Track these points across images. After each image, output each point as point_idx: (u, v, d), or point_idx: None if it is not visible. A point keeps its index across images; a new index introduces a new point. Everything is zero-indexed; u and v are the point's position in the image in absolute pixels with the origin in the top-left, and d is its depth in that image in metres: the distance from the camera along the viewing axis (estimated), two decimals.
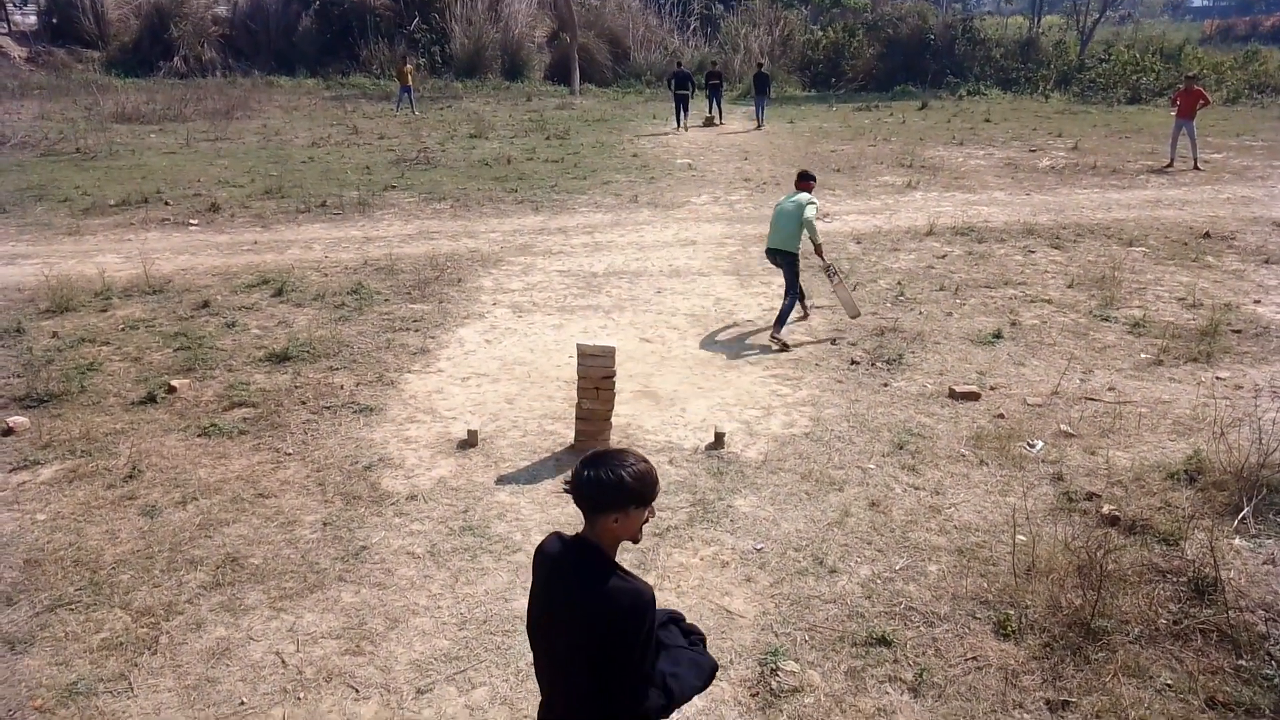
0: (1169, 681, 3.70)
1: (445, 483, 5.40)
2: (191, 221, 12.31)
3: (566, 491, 2.23)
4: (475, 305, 8.80)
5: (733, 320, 8.38)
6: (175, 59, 30.38)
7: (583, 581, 2.17)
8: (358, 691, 3.73)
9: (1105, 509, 4.94)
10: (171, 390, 6.67)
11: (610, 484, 2.14)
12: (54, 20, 31.70)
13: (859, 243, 10.96)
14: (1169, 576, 4.34)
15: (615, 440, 5.85)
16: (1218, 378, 6.85)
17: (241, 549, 4.72)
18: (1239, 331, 7.80)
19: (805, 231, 7.73)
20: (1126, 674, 3.73)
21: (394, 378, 6.99)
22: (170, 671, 3.84)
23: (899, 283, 9.29)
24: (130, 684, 3.76)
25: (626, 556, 4.27)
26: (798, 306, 8.16)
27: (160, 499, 5.21)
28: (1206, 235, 11.11)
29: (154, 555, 4.65)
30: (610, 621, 2.11)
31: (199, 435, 6.02)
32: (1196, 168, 15.59)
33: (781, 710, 3.61)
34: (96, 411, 6.38)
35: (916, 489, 5.29)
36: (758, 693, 3.70)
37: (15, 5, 33.30)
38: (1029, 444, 5.82)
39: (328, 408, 6.43)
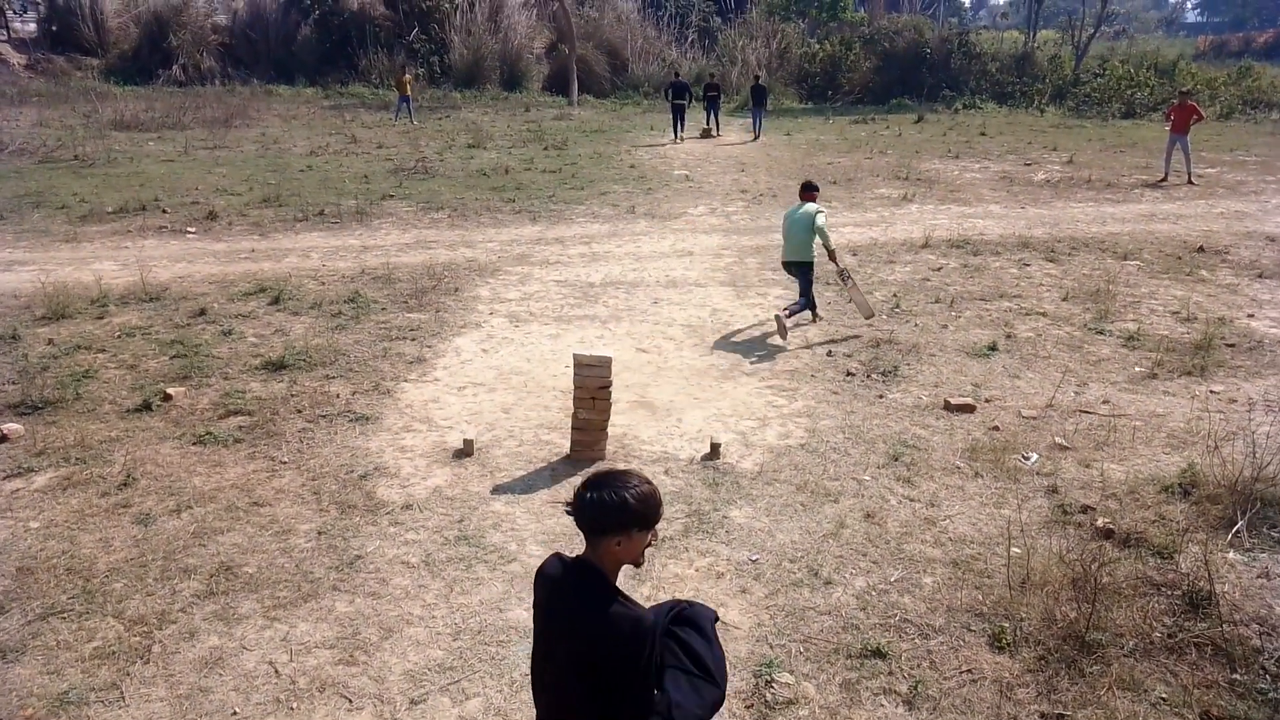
0: (1164, 695, 3.70)
1: (441, 492, 5.39)
2: (189, 229, 12.32)
3: (568, 513, 2.19)
4: (472, 315, 8.81)
5: (729, 331, 8.39)
6: (174, 67, 30.47)
7: (582, 606, 2.12)
8: (351, 702, 3.72)
9: (1100, 522, 4.95)
10: (167, 398, 6.66)
11: (613, 506, 2.10)
12: (53, 27, 31.78)
13: (855, 255, 10.99)
14: (1163, 590, 4.34)
15: (611, 450, 5.85)
16: (1212, 391, 6.87)
17: (235, 558, 4.70)
18: (1233, 345, 7.83)
19: (817, 239, 8.08)
20: (1121, 687, 3.73)
21: (390, 387, 6.99)
22: (162, 681, 3.82)
23: (895, 295, 9.32)
24: (122, 693, 3.75)
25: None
26: (804, 316, 8.47)
27: (154, 507, 5.19)
28: (1200, 249, 11.16)
29: (147, 564, 4.64)
30: (609, 647, 2.08)
31: (194, 443, 6.00)
32: (1190, 182, 15.68)
33: None
34: (91, 419, 6.37)
35: (912, 501, 5.30)
36: (752, 704, 3.69)
37: (15, 12, 33.34)
38: (1024, 456, 5.83)
39: (323, 416, 6.42)
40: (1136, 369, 7.36)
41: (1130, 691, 3.72)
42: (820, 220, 8.06)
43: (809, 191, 8.38)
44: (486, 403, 6.73)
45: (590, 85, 32.60)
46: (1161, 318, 8.67)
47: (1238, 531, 4.78)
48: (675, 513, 5.14)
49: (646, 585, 4.44)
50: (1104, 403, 6.69)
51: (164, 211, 13.25)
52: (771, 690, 3.75)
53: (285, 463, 5.75)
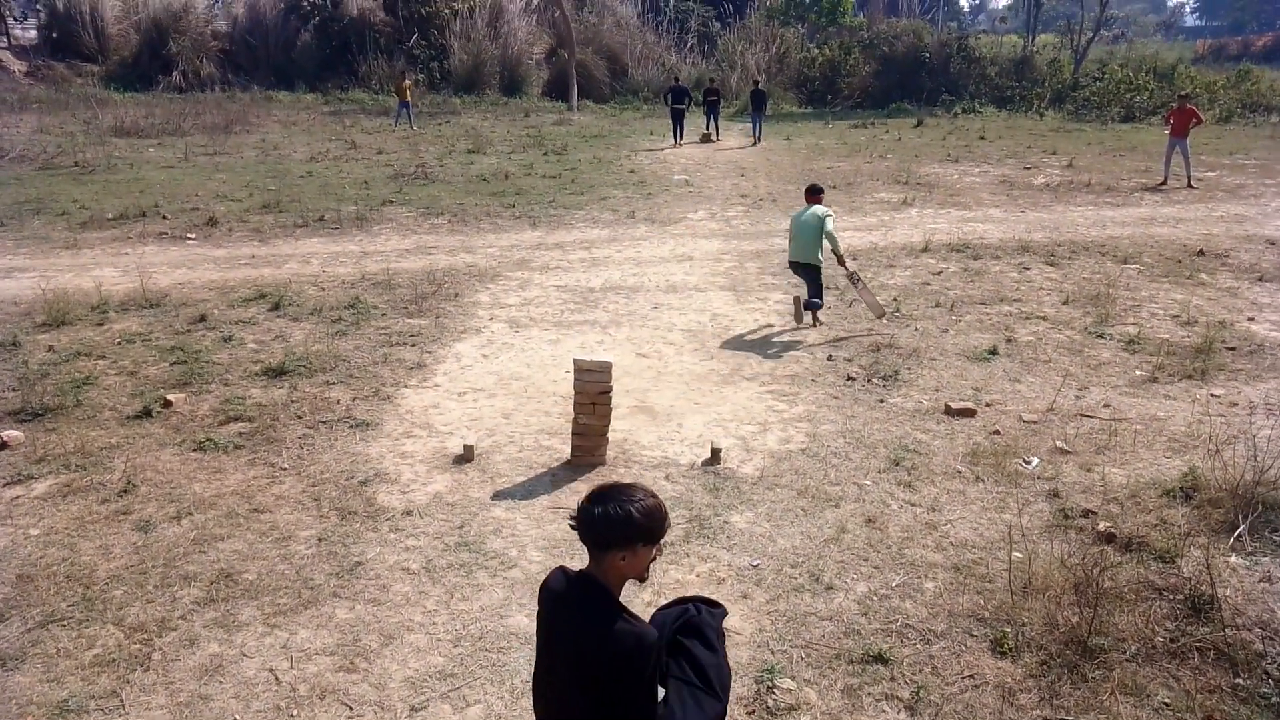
0: (1166, 700, 3.69)
1: (441, 498, 5.39)
2: (189, 235, 12.33)
3: (572, 527, 2.17)
4: (472, 320, 8.81)
5: (729, 336, 8.39)
6: (174, 73, 30.51)
7: (586, 621, 2.11)
8: (351, 709, 3.71)
9: (1101, 526, 4.94)
10: (167, 404, 6.65)
11: (618, 520, 2.08)
12: (54, 34, 31.83)
13: (855, 259, 10.97)
14: (1165, 594, 4.33)
15: (612, 455, 5.85)
16: (1213, 395, 6.87)
17: (236, 564, 4.69)
18: (1233, 349, 7.83)
19: (826, 242, 8.16)
20: (1124, 692, 3.72)
21: (390, 392, 6.98)
22: (162, 688, 3.81)
23: (895, 299, 9.31)
24: (122, 701, 3.74)
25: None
26: (807, 318, 8.56)
27: (155, 514, 5.19)
28: (1200, 253, 11.16)
29: (147, 571, 4.63)
30: (611, 664, 2.06)
31: (194, 450, 6.00)
32: (1190, 186, 15.69)
33: None
34: (91, 426, 6.37)
35: (913, 505, 5.29)
36: (754, 710, 3.68)
37: (15, 19, 33.42)
38: (1025, 461, 5.82)
39: (324, 422, 6.42)
40: (1137, 373, 7.36)
41: (1132, 696, 3.71)
42: (830, 225, 8.13)
43: (815, 194, 8.51)
44: (487, 408, 6.73)
45: (590, 90, 32.65)
46: (1162, 321, 8.66)
47: (1239, 535, 4.77)
48: (676, 518, 5.14)
49: (648, 591, 4.42)
50: (1105, 406, 6.69)
51: (164, 218, 13.26)
52: (773, 696, 3.74)
53: (285, 469, 5.74)
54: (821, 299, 8.47)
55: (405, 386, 7.12)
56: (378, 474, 5.67)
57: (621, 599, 2.18)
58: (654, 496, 2.17)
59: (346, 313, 8.91)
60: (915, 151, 20.68)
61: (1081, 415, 6.53)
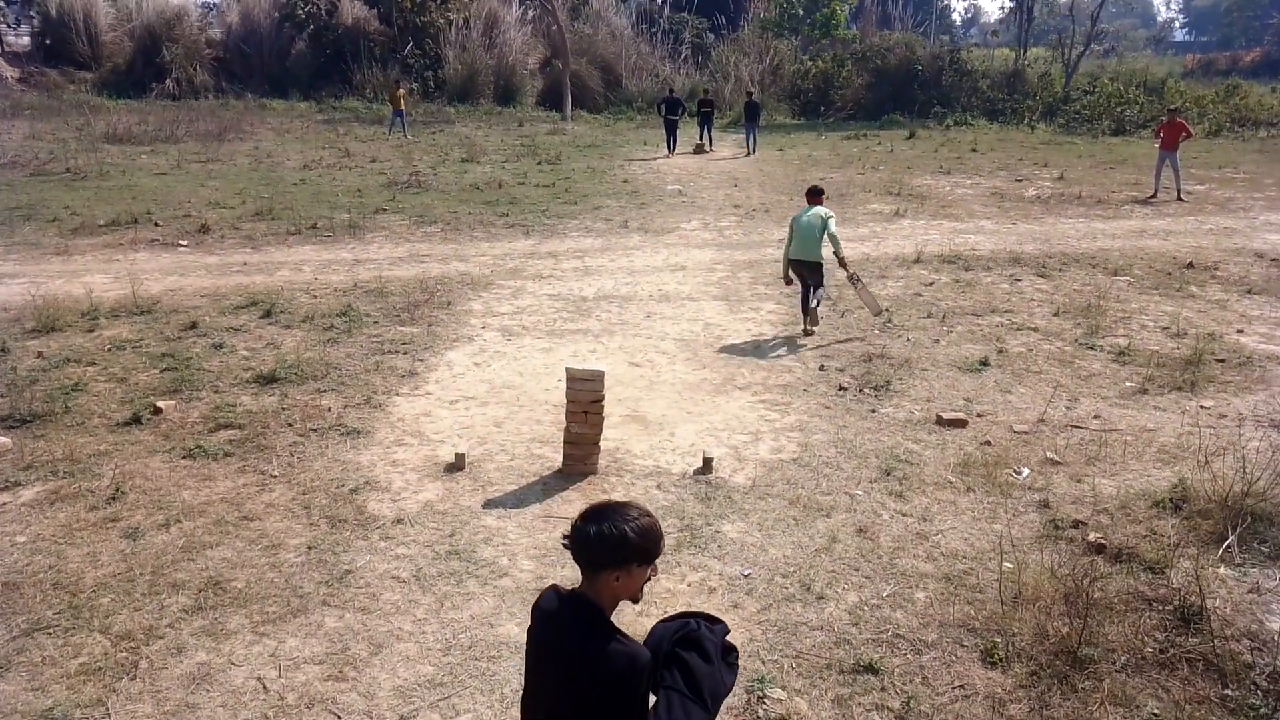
0: (1155, 711, 3.70)
1: (432, 506, 5.37)
2: (181, 242, 12.30)
3: (565, 546, 2.13)
4: (464, 328, 8.80)
5: (722, 345, 8.40)
6: (168, 81, 30.48)
7: (578, 642, 2.08)
8: (340, 718, 3.68)
9: (1091, 537, 4.95)
10: (157, 411, 6.62)
11: (612, 539, 2.04)
12: (47, 41, 31.78)
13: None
14: (1155, 605, 4.34)
15: (603, 464, 5.84)
16: (1202, 406, 6.90)
17: (224, 572, 4.67)
18: (1223, 361, 7.87)
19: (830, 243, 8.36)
20: (1113, 703, 3.72)
21: (382, 400, 6.97)
22: (149, 697, 3.78)
23: (887, 309, 9.34)
24: (108, 710, 3.71)
25: None
26: (804, 323, 8.67)
27: (143, 521, 5.16)
28: (1190, 265, 11.23)
29: (135, 578, 4.60)
30: (605, 684, 2.04)
31: (184, 457, 5.97)
32: (1180, 199, 15.79)
33: None
34: (80, 432, 6.33)
35: (904, 515, 5.30)
36: None
37: (9, 25, 33.36)
38: (1016, 471, 5.84)
39: (314, 430, 6.40)
40: (1127, 384, 7.39)
41: (1122, 707, 3.71)
42: (833, 226, 8.37)
43: (816, 196, 8.72)
44: (478, 416, 6.71)
45: (584, 100, 32.75)
46: (1152, 333, 8.71)
47: (1228, 546, 4.79)
48: (668, 527, 5.13)
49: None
50: (1095, 418, 6.71)
51: (156, 225, 13.23)
52: (764, 706, 3.73)
53: (275, 477, 5.72)
54: (824, 288, 8.72)
55: (397, 394, 7.10)
56: (368, 482, 5.65)
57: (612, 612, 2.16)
58: (649, 515, 2.13)
59: (338, 320, 8.89)
60: (907, 163, 20.78)
61: (1072, 426, 6.56)
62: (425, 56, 32.78)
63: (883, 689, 3.84)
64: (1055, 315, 9.23)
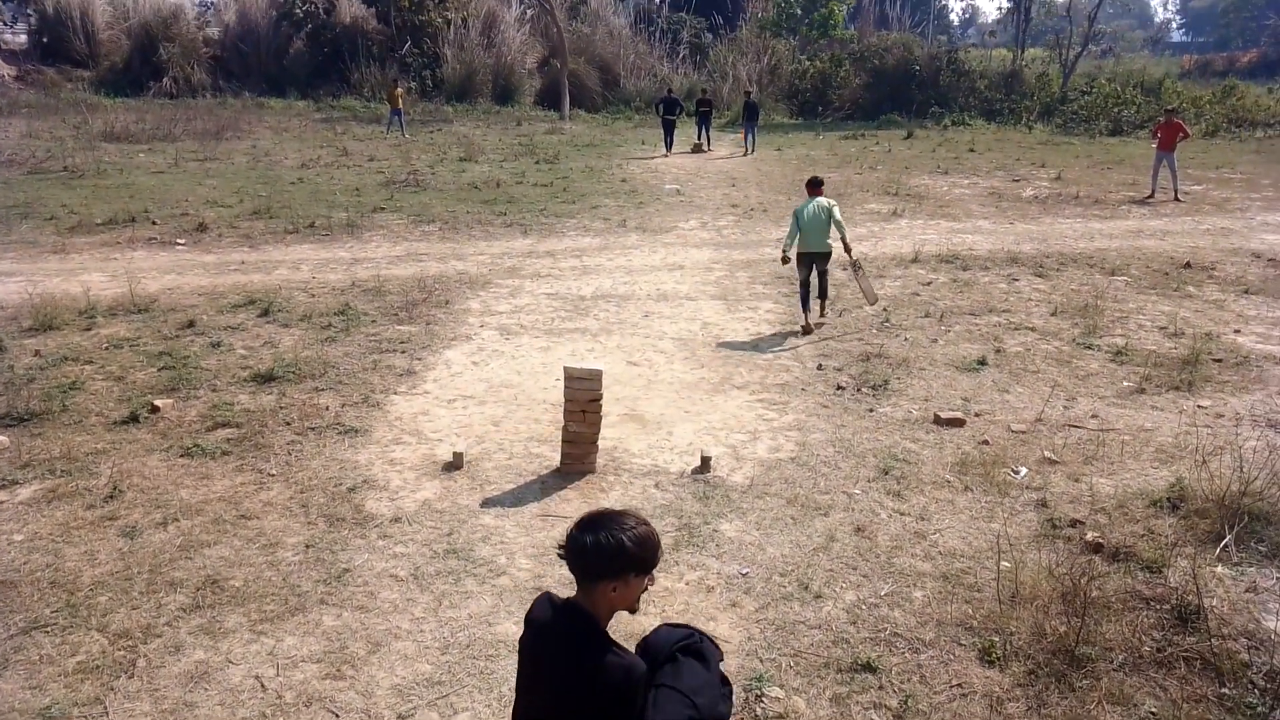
0: (1153, 709, 3.70)
1: (430, 505, 5.37)
2: (179, 241, 12.28)
3: (560, 556, 2.09)
4: (462, 327, 8.80)
5: (720, 344, 8.40)
6: (165, 79, 30.43)
7: (573, 654, 2.04)
8: (338, 716, 3.68)
9: (1089, 536, 4.96)
10: (154, 410, 6.61)
11: (609, 549, 2.00)
12: (44, 39, 31.72)
13: (845, 269, 11.03)
14: (1152, 604, 4.35)
15: (601, 463, 5.84)
16: (1199, 406, 6.91)
17: (222, 571, 4.66)
18: (1220, 360, 7.88)
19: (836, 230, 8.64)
20: (1111, 701, 3.73)
21: (380, 399, 6.96)
22: (147, 696, 3.78)
23: (885, 309, 9.35)
24: (106, 708, 3.70)
25: None
26: (801, 321, 8.79)
27: (141, 520, 5.15)
28: (1187, 265, 11.25)
29: (133, 577, 4.60)
30: (600, 697, 2.00)
31: (181, 456, 5.96)
32: (1177, 199, 15.82)
33: None
34: (78, 431, 6.32)
35: (902, 514, 5.30)
36: (742, 719, 3.67)
37: (5, 24, 33.29)
38: (1013, 470, 5.84)
39: (312, 429, 6.39)
40: (1125, 384, 7.40)
41: (1120, 705, 3.72)
42: (837, 213, 8.65)
43: (817, 187, 8.89)
44: (476, 415, 6.71)
45: (582, 100, 32.74)
46: (1149, 333, 8.72)
47: (1226, 546, 4.80)
48: (665, 526, 5.13)
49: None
50: (1093, 417, 6.72)
51: (153, 223, 13.21)
52: (762, 705, 3.73)
53: (273, 475, 5.71)
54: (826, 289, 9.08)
55: (395, 393, 7.10)
56: (366, 481, 5.65)
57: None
58: (646, 524, 2.09)
59: (336, 319, 8.89)
60: (905, 163, 20.80)
61: (1069, 426, 6.57)
62: (423, 55, 32.75)
63: (880, 687, 3.85)
64: (1053, 315, 9.25)
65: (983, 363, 7.81)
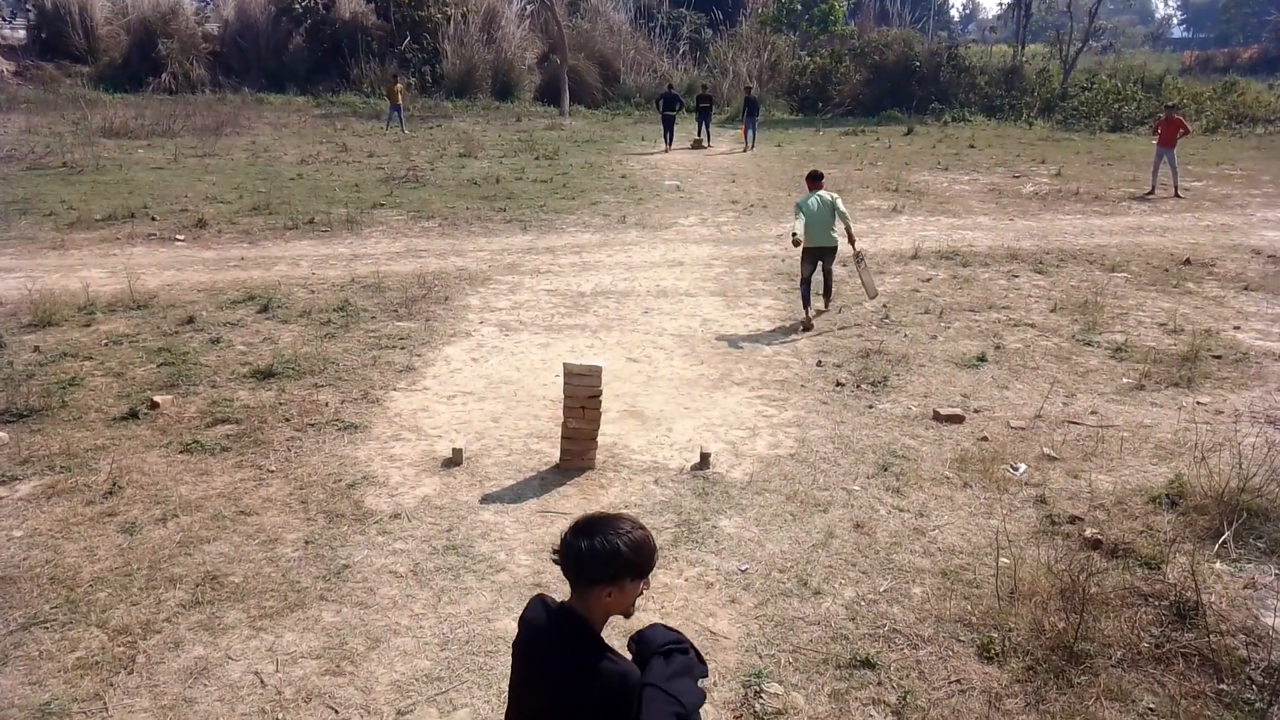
0: (1151, 705, 3.71)
1: (429, 501, 5.37)
2: (178, 237, 12.27)
3: (555, 561, 2.06)
4: (462, 323, 8.79)
5: (719, 341, 8.40)
6: (164, 75, 30.36)
7: (567, 660, 2.02)
8: (337, 712, 3.69)
9: (1088, 532, 4.97)
10: (154, 406, 6.61)
11: (605, 554, 1.98)
12: (43, 34, 31.65)
13: (845, 265, 11.02)
14: (1151, 600, 4.36)
15: (601, 459, 5.84)
16: (1198, 403, 6.92)
17: (222, 567, 4.67)
18: (1219, 357, 7.88)
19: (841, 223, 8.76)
20: (1109, 698, 3.74)
21: (379, 395, 6.96)
22: (146, 691, 3.79)
23: (884, 305, 9.35)
24: (105, 704, 3.71)
25: None
26: (801, 317, 8.85)
27: (140, 516, 5.15)
28: (1187, 262, 11.25)
29: (132, 573, 4.60)
30: (594, 703, 1.99)
31: (181, 452, 5.97)
32: (1177, 195, 15.81)
33: None
34: (77, 427, 6.32)
35: (901, 511, 5.30)
36: (741, 715, 3.68)
37: (4, 19, 33.24)
38: (1012, 467, 5.85)
39: (312, 425, 6.39)
40: (1124, 380, 7.41)
41: (1118, 702, 3.73)
42: (841, 205, 8.76)
43: (818, 180, 8.94)
44: (476, 412, 6.71)
45: (582, 95, 32.69)
46: (1149, 329, 8.72)
47: (1224, 542, 4.80)
48: (665, 522, 5.14)
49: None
50: (1092, 414, 6.72)
51: (153, 219, 13.19)
52: (760, 700, 3.74)
53: (273, 471, 5.72)
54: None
55: (394, 389, 7.10)
56: (366, 477, 5.65)
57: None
58: (642, 528, 2.06)
59: (336, 315, 8.88)
60: (905, 159, 20.78)
61: (1069, 422, 6.57)
62: (423, 51, 32.68)
63: (879, 684, 3.85)
64: (1052, 311, 9.25)
65: (982, 359, 7.81)
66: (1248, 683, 3.81)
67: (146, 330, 8.41)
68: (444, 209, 14.37)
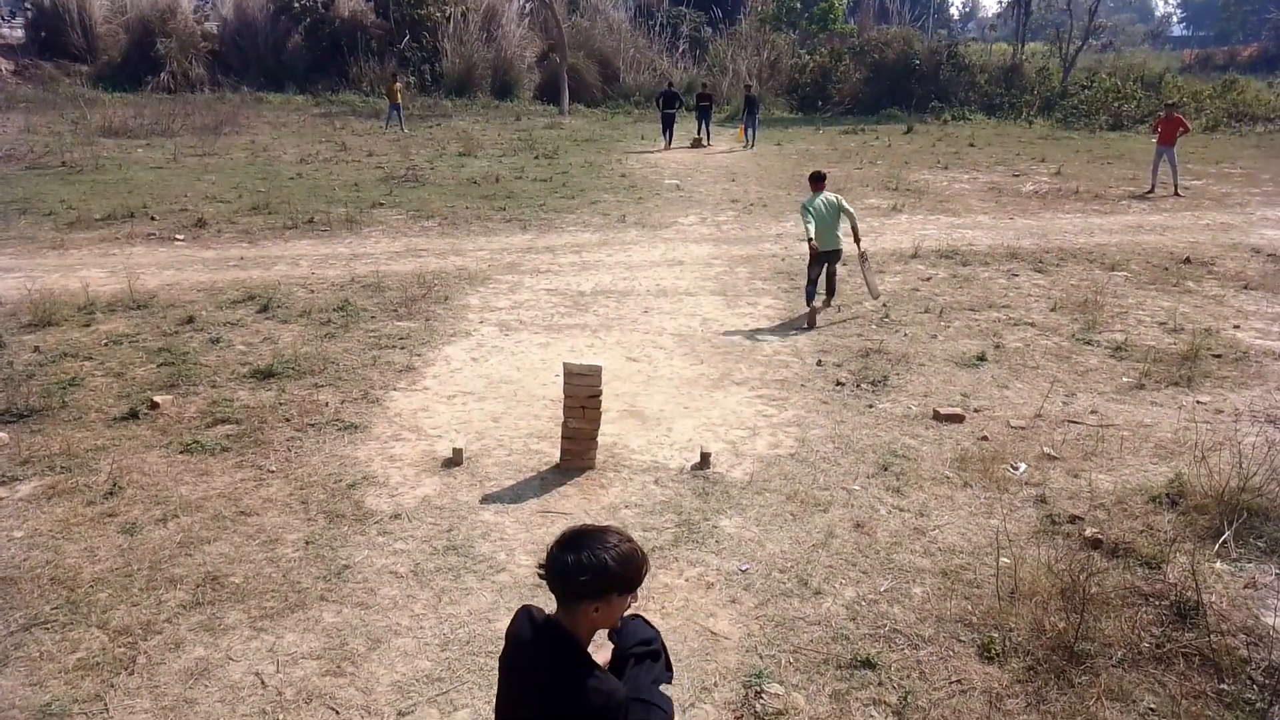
0: (1152, 705, 3.71)
1: (429, 501, 5.37)
2: (178, 237, 12.26)
3: (541, 577, 2.02)
4: (462, 323, 8.79)
5: (719, 340, 8.39)
6: (163, 74, 30.34)
7: (552, 676, 1.98)
8: (338, 713, 3.69)
9: (1088, 532, 4.97)
10: (154, 406, 6.61)
11: (592, 569, 1.94)
12: (42, 33, 31.61)
13: (845, 265, 11.02)
14: (1151, 600, 4.36)
15: (601, 459, 5.84)
16: (1198, 402, 6.92)
17: (222, 567, 4.67)
18: (1219, 356, 7.88)
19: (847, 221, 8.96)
20: (1109, 697, 3.74)
21: (379, 395, 6.96)
22: (147, 692, 3.79)
23: (884, 305, 9.35)
24: (106, 705, 3.71)
25: None
26: (805, 311, 8.96)
27: (140, 516, 5.15)
28: (1187, 260, 11.25)
29: (133, 574, 4.60)
30: (579, 719, 1.97)
31: (181, 452, 5.96)
32: (1177, 194, 15.81)
33: None
34: (77, 427, 6.32)
35: (901, 511, 5.30)
36: (741, 715, 3.68)
37: (3, 18, 33.20)
38: (1012, 466, 5.85)
39: (312, 425, 6.39)
40: (1124, 379, 7.41)
41: (1118, 702, 3.73)
42: (846, 204, 8.95)
43: (821, 181, 9.06)
44: (476, 411, 6.71)
45: (581, 94, 32.67)
46: (1149, 328, 8.72)
47: (1225, 541, 4.80)
48: (665, 522, 5.14)
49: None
50: (1092, 413, 6.72)
51: (152, 219, 13.19)
52: (761, 701, 3.74)
53: (273, 472, 5.71)
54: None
55: (394, 389, 7.09)
56: (366, 477, 5.65)
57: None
58: (629, 540, 2.02)
59: (335, 315, 8.88)
60: (905, 158, 20.77)
61: (1069, 421, 6.57)
62: (422, 50, 32.66)
63: (880, 684, 3.86)
64: (1052, 310, 9.24)
65: (982, 358, 7.81)
66: (1248, 683, 3.81)
67: (146, 330, 8.40)
68: (443, 208, 14.37)
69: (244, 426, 6.34)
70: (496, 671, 3.89)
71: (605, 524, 2.17)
